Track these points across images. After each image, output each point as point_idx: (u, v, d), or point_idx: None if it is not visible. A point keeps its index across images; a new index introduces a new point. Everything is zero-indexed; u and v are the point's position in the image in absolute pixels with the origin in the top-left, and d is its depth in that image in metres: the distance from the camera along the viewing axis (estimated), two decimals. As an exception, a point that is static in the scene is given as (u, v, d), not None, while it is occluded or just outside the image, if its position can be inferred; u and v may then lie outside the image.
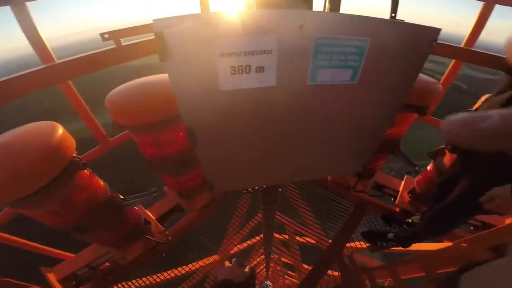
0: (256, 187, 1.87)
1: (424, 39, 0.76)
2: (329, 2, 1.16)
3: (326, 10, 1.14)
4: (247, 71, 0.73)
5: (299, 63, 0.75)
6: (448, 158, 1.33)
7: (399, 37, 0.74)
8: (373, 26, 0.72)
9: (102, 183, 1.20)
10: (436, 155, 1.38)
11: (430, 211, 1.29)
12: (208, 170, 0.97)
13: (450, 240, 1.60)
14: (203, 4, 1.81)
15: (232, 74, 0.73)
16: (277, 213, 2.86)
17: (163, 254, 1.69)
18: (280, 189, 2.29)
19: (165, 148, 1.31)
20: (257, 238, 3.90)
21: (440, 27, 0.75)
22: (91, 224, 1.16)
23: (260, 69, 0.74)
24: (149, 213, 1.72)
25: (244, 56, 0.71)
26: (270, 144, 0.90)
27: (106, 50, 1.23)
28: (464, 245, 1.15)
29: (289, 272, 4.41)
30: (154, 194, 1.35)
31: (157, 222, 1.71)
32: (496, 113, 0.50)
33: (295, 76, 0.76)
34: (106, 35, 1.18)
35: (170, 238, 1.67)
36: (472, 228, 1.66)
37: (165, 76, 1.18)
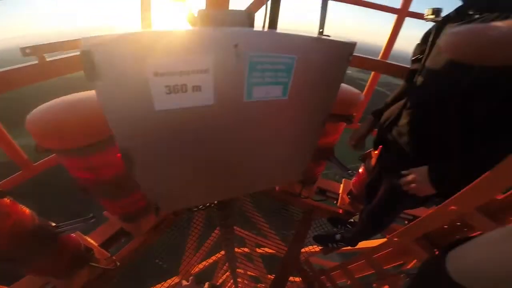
0: (208, 204, 1.84)
1: (343, 53, 0.85)
2: (268, 20, 1.26)
3: (265, 28, 1.24)
4: (184, 90, 0.73)
5: (235, 81, 0.77)
6: (374, 160, 1.52)
7: (322, 52, 0.82)
8: (299, 44, 0.79)
9: (27, 211, 1.07)
10: (365, 158, 1.58)
11: (364, 210, 1.43)
12: (150, 191, 0.92)
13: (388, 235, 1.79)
14: (144, 19, 1.77)
15: (167, 93, 0.71)
16: (235, 227, 2.84)
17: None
18: (235, 204, 2.31)
19: (101, 171, 1.20)
20: (219, 254, 3.79)
21: (355, 41, 0.85)
22: (22, 254, 1.05)
23: (197, 88, 0.74)
24: (90, 239, 1.57)
25: (179, 75, 0.71)
26: (212, 161, 0.90)
27: (26, 66, 1.08)
28: (395, 239, 1.30)
29: (258, 285, 4.37)
30: (92, 220, 1.25)
31: (100, 248, 1.57)
32: (501, 23, 0.51)
33: (232, 94, 0.78)
34: (28, 50, 1.04)
35: (118, 264, 1.54)
36: (406, 222, 1.90)
37: (94, 93, 1.09)
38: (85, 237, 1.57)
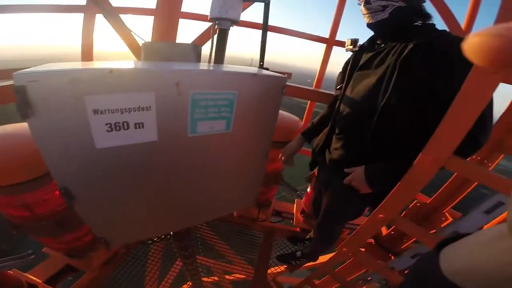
0: (162, 236, 1.78)
1: (277, 85, 0.95)
2: (214, 54, 1.35)
3: (211, 62, 1.33)
4: (126, 128, 0.73)
5: (178, 117, 0.79)
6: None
7: (259, 86, 0.91)
8: (238, 80, 0.86)
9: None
10: (310, 179, 1.73)
11: (315, 226, 1.54)
12: (96, 226, 0.87)
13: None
14: (85, 50, 1.76)
15: (108, 131, 0.71)
16: (198, 256, 2.75)
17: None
18: (193, 233, 2.27)
19: (38, 209, 1.10)
20: (186, 286, 3.55)
21: (287, 74, 0.97)
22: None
23: (140, 125, 0.74)
24: (32, 276, 1.43)
25: (120, 113, 0.71)
26: (160, 194, 0.90)
27: None
28: (344, 249, 1.39)
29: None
30: (31, 257, 1.18)
31: (46, 285, 1.44)
32: None
33: (176, 130, 0.81)
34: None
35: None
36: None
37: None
38: (25, 274, 1.42)
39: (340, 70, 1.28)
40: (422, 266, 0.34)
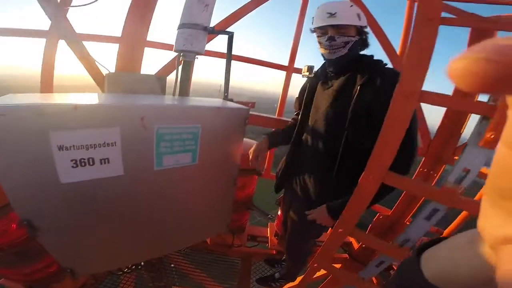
0: (132, 265, 1.70)
1: (240, 117, 1.01)
2: (179, 86, 1.42)
3: (176, 95, 1.39)
4: (91, 163, 0.73)
5: (144, 151, 0.82)
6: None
7: (223, 119, 0.96)
8: (203, 113, 0.91)
9: None
10: (280, 202, 1.83)
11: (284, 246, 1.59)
12: (62, 256, 0.84)
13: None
14: (45, 75, 1.73)
15: (73, 167, 0.71)
16: (174, 286, 2.61)
17: None
18: (169, 264, 2.19)
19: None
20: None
21: (250, 104, 1.05)
22: None
23: (105, 160, 0.75)
24: None
25: (85, 149, 0.71)
26: (128, 225, 0.90)
27: None
28: (315, 265, 1.44)
29: None
30: None
31: None
32: None
33: (142, 164, 0.83)
34: None
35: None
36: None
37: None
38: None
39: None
40: (404, 271, 0.35)
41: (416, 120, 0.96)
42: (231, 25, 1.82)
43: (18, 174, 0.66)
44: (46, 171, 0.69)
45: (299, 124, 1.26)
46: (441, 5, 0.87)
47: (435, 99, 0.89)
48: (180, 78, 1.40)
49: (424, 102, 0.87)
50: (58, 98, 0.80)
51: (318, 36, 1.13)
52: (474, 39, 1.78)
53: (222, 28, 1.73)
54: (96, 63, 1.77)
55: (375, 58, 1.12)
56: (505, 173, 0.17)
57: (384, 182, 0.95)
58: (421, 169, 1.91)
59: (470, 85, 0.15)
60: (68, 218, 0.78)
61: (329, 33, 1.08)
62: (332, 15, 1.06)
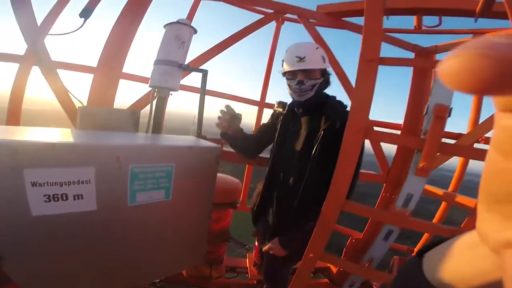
0: None
1: (212, 155, 1.06)
2: (153, 121, 1.45)
3: (149, 132, 1.42)
4: (64, 199, 0.74)
5: (118, 189, 0.84)
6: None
7: (195, 157, 1.00)
8: (176, 153, 0.95)
9: None
10: (255, 233, 1.88)
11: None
12: (27, 285, 0.78)
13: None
14: (14, 100, 1.67)
15: (46, 201, 0.71)
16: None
17: None
18: None
19: None
20: None
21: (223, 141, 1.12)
22: None
23: (79, 196, 0.76)
24: None
25: (59, 186, 0.72)
26: (100, 257, 0.88)
27: None
28: None
29: None
30: None
31: None
32: None
33: (116, 200, 0.84)
34: None
35: None
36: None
37: None
38: None
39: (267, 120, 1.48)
40: (406, 273, 0.35)
41: (363, 153, 1.11)
42: (206, 61, 1.94)
43: None
44: (17, 203, 0.69)
45: (272, 159, 1.35)
46: (379, 47, 1.05)
47: (378, 136, 1.06)
48: (154, 114, 1.45)
49: (368, 139, 1.03)
50: (32, 134, 0.81)
51: (288, 79, 1.21)
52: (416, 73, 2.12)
53: (197, 65, 1.84)
54: (69, 94, 1.76)
55: (337, 98, 1.27)
56: (497, 178, 0.16)
57: (343, 210, 1.06)
58: (383, 194, 2.10)
59: (466, 85, 0.14)
60: (36, 250, 0.76)
61: (298, 77, 1.17)
62: (301, 59, 1.15)
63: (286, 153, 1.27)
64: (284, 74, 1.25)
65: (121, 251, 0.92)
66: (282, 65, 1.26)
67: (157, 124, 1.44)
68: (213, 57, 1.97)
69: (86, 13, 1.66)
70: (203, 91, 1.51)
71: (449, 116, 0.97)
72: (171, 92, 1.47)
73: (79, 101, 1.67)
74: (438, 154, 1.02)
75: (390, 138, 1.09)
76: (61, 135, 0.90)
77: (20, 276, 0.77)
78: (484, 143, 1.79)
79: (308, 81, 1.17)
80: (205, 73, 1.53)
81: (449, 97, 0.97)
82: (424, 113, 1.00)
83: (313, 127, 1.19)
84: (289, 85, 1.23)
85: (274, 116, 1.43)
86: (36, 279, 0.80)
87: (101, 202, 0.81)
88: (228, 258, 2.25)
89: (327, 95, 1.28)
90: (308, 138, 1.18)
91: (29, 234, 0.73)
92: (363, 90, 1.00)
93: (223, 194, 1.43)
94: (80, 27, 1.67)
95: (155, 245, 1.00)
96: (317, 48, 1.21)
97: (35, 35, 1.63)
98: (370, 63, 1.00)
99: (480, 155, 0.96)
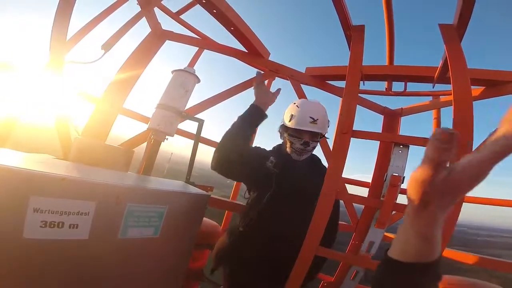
0: None
1: (201, 201, 1.17)
2: (145, 163, 1.50)
3: (140, 172, 1.46)
4: (60, 227, 0.79)
5: (112, 222, 0.91)
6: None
7: (186, 202, 1.11)
8: (169, 197, 1.05)
9: None
10: None
11: None
12: None
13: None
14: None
15: (41, 227, 0.76)
16: None
17: None
18: None
19: None
20: None
21: (209, 187, 1.23)
22: None
23: (74, 226, 0.82)
24: None
25: (59, 215, 0.78)
26: (80, 284, 0.89)
27: None
28: None
29: None
30: None
31: None
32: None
33: (107, 232, 0.90)
34: None
35: None
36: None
37: None
38: None
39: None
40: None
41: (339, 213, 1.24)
42: (202, 111, 2.10)
43: None
44: (12, 222, 0.73)
45: (272, 209, 1.23)
46: (352, 121, 1.28)
47: (349, 197, 1.24)
48: (148, 155, 1.52)
49: (341, 199, 1.22)
50: (39, 163, 0.89)
51: (290, 135, 1.20)
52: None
53: (192, 113, 1.98)
54: (70, 121, 1.80)
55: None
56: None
57: (317, 254, 1.18)
58: (353, 242, 2.24)
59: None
60: (20, 271, 0.77)
61: (304, 138, 1.19)
62: (314, 121, 1.17)
63: (287, 207, 1.21)
64: (285, 128, 1.25)
65: (102, 281, 0.95)
66: (290, 119, 1.23)
67: (149, 165, 1.52)
68: (209, 108, 2.14)
69: (108, 46, 1.81)
70: (197, 139, 1.61)
71: (402, 183, 1.18)
72: (166, 137, 1.55)
73: (76, 132, 1.73)
74: (393, 212, 1.21)
75: (358, 199, 1.28)
76: (67, 168, 0.99)
77: None
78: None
79: (312, 143, 1.22)
80: (201, 122, 1.63)
81: (403, 168, 1.19)
82: (384, 179, 1.21)
83: (316, 186, 1.16)
84: (291, 142, 1.23)
85: (263, 157, 1.29)
86: None
87: (93, 232, 0.87)
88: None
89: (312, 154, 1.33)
90: (314, 197, 1.14)
91: (15, 254, 0.75)
92: (337, 158, 1.20)
93: (203, 236, 1.46)
94: (99, 58, 1.80)
95: (136, 277, 1.03)
96: (325, 111, 1.25)
97: (61, 50, 1.70)
98: (344, 135, 1.21)
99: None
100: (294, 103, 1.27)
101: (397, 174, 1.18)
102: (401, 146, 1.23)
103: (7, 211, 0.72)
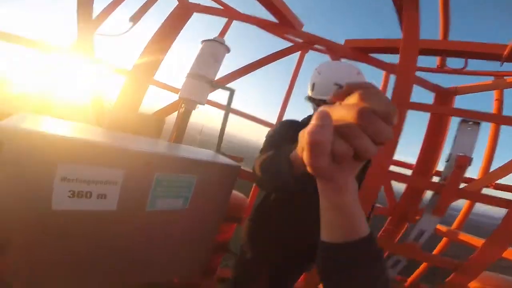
0: None
1: (232, 172, 1.09)
2: (176, 132, 1.50)
3: (171, 141, 1.47)
4: (88, 197, 0.76)
5: (140, 193, 0.87)
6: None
7: (216, 172, 1.04)
8: (200, 166, 0.98)
9: None
10: None
11: None
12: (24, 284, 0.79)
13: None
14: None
15: (69, 197, 0.74)
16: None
17: None
18: None
19: None
20: None
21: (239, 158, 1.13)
22: None
23: (102, 196, 0.79)
24: None
25: (87, 184, 0.75)
26: (105, 255, 0.88)
27: None
28: None
29: None
30: None
31: None
32: None
33: (136, 203, 0.87)
34: None
35: None
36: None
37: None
38: None
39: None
40: None
41: None
42: (233, 81, 2.03)
43: (11, 195, 0.68)
44: (41, 196, 0.71)
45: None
46: (409, 93, 1.09)
47: (394, 176, 1.07)
48: (178, 124, 1.52)
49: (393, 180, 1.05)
50: (70, 129, 0.86)
51: (315, 109, 1.02)
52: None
53: (223, 83, 1.92)
54: (102, 92, 1.85)
55: None
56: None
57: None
58: (387, 227, 2.07)
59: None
60: (49, 243, 0.77)
61: None
62: (341, 88, 1.09)
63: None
64: (312, 99, 1.05)
65: (129, 252, 0.93)
66: (312, 89, 1.03)
67: (180, 134, 1.50)
68: (239, 78, 2.07)
69: (135, 19, 1.81)
70: (228, 109, 1.58)
71: (469, 165, 0.98)
72: (197, 106, 1.54)
73: (109, 103, 1.77)
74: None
75: (407, 180, 1.10)
76: (95, 134, 0.94)
77: (25, 269, 0.78)
78: (494, 189, 1.85)
79: None
80: (232, 91, 1.60)
81: (471, 148, 0.98)
82: (446, 160, 1.01)
83: None
84: None
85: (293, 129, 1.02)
86: (41, 274, 0.80)
87: (121, 204, 0.84)
88: (220, 269, 2.22)
89: None
90: None
91: (43, 227, 0.74)
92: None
93: (232, 209, 1.43)
94: (127, 31, 1.81)
95: (162, 249, 1.01)
96: (358, 73, 0.97)
97: (88, 29, 1.72)
98: (401, 106, 1.03)
99: (489, 200, 0.99)
100: (316, 69, 1.04)
101: (463, 154, 0.97)
102: (471, 123, 1.01)
103: (35, 181, 0.69)
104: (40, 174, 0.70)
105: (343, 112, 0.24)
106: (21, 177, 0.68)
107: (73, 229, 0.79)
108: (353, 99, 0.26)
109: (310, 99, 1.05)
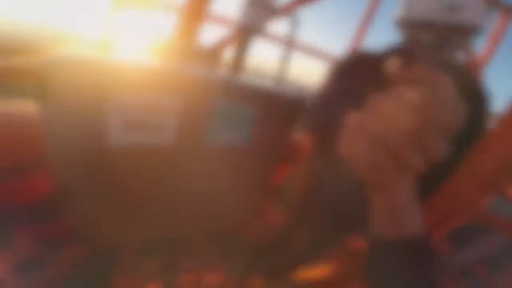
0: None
1: (297, 105, 0.94)
2: (236, 62, 1.35)
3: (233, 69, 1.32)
4: (144, 127, 0.71)
5: (198, 123, 0.78)
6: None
7: (281, 104, 0.91)
8: (262, 96, 0.86)
9: None
10: None
11: None
12: (84, 224, 0.81)
13: None
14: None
15: (126, 129, 0.68)
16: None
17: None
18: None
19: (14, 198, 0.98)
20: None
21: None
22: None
23: (159, 126, 0.73)
24: None
25: (143, 112, 0.69)
26: (162, 196, 0.86)
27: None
28: None
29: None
30: None
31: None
32: None
33: (194, 136, 0.79)
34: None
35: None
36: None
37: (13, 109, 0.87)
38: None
39: None
40: None
41: None
42: (295, 10, 1.70)
43: (67, 132, 0.65)
44: (97, 131, 0.66)
45: None
46: None
47: None
48: (239, 54, 1.36)
49: None
50: (125, 58, 0.78)
51: (416, 31, 0.70)
52: None
53: (286, 12, 1.63)
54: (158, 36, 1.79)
55: None
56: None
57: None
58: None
59: None
60: (107, 184, 0.75)
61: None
62: (455, 9, 0.66)
63: None
64: (404, 21, 0.75)
65: (185, 192, 0.89)
66: (407, 9, 0.73)
67: (240, 65, 1.36)
68: (304, 5, 1.73)
69: None
70: (291, 40, 1.36)
71: None
72: (257, 35, 1.34)
73: (164, 42, 1.68)
74: None
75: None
76: (153, 61, 0.85)
77: (79, 212, 0.78)
78: None
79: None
80: (297, 20, 1.37)
81: None
82: None
83: None
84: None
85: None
86: (94, 215, 0.80)
87: (178, 136, 0.77)
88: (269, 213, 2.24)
89: None
90: None
91: (103, 165, 0.71)
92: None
93: (289, 148, 1.32)
94: None
95: (222, 190, 0.94)
96: None
97: None
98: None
99: None
100: None
101: None
102: None
103: (87, 117, 0.63)
104: (93, 105, 0.63)
105: (396, 109, 0.18)
106: (74, 112, 0.63)
107: (131, 164, 0.75)
108: (413, 92, 0.18)
109: (401, 21, 0.73)
